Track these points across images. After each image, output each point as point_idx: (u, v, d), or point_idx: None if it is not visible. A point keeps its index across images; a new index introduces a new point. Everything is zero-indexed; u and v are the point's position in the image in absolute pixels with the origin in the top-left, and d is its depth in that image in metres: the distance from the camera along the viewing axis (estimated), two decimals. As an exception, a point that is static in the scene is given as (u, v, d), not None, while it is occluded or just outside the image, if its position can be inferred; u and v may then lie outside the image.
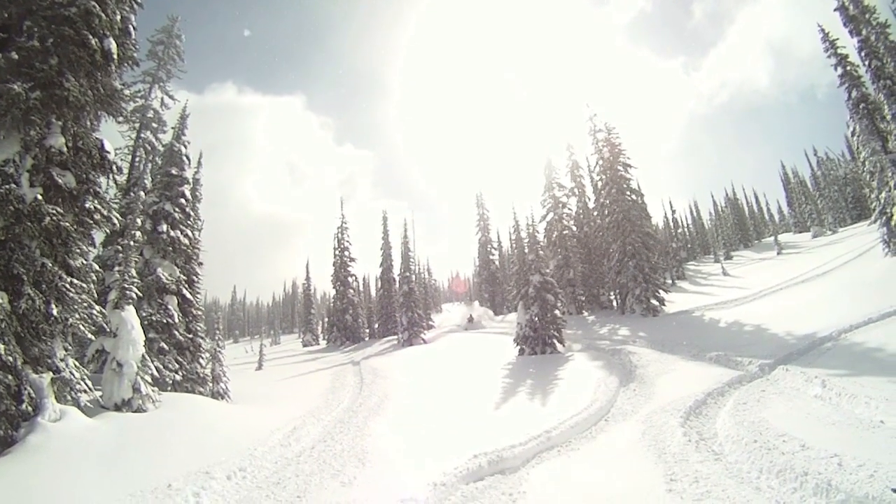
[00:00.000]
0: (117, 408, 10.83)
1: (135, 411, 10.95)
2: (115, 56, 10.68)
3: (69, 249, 9.85)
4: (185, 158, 17.91)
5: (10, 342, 8.34)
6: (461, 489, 7.91)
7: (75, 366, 10.08)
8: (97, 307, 10.44)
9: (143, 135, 19.48)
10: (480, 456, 8.94)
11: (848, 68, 23.36)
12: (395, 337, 36.41)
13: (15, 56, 9.23)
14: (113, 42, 10.56)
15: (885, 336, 12.64)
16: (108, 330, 11.41)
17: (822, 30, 24.15)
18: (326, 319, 54.60)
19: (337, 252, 46.19)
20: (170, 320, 15.37)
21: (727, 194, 68.86)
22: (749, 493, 6.58)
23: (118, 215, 11.37)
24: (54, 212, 9.33)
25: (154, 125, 19.94)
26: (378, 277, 45.37)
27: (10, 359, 8.22)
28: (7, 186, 8.77)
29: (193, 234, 17.69)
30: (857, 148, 24.12)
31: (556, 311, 21.78)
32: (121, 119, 12.33)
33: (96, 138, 10.63)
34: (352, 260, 46.04)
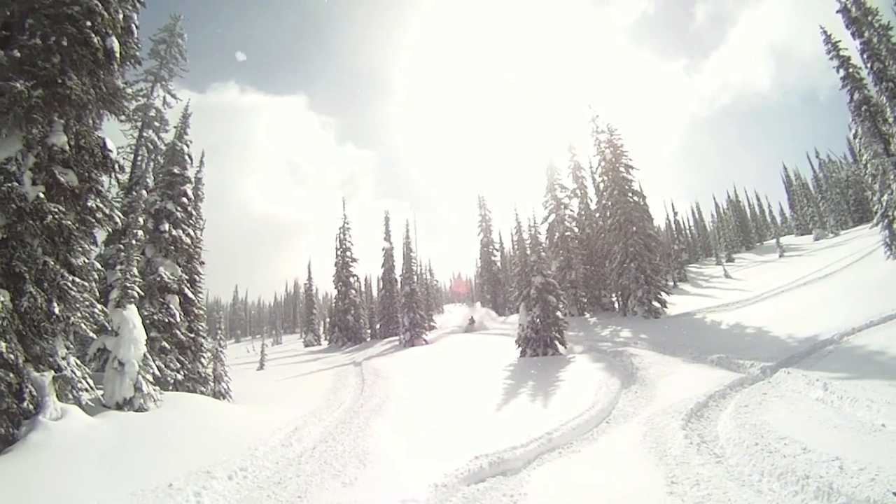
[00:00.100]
0: (119, 407, 10.82)
1: (136, 410, 10.95)
2: (118, 54, 10.70)
3: (71, 248, 9.86)
4: (187, 157, 17.92)
5: (12, 340, 8.35)
6: (462, 490, 7.90)
7: (77, 364, 10.10)
8: (99, 306, 10.46)
9: (145, 133, 19.50)
10: (482, 457, 8.94)
11: (850, 70, 23.32)
12: (397, 338, 36.43)
13: (17, 54, 9.25)
14: (115, 40, 10.58)
15: (888, 339, 12.60)
16: (109, 329, 11.41)
17: (825, 32, 24.11)
18: (328, 320, 54.63)
19: (339, 252, 46.22)
20: (171, 319, 15.37)
21: (729, 196, 68.73)
22: (750, 495, 6.58)
23: (120, 214, 11.38)
24: (56, 210, 9.34)
25: (156, 124, 19.96)
26: (380, 278, 45.38)
27: (12, 357, 8.23)
28: (9, 185, 8.77)
29: (195, 234, 17.70)
30: (860, 150, 24.06)
31: (558, 313, 21.76)
32: (123, 118, 12.30)
33: (98, 137, 10.64)
34: (353, 260, 46.06)
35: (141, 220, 13.97)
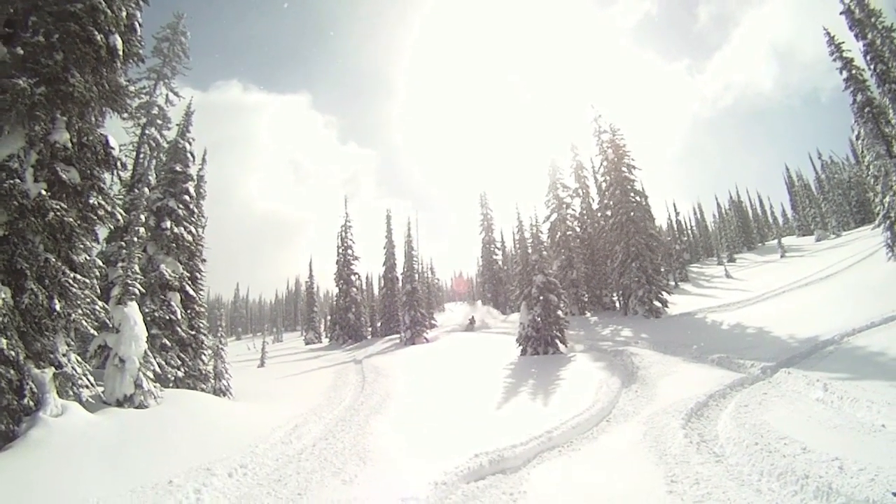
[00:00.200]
0: (119, 403, 10.85)
1: (136, 407, 10.97)
2: (121, 52, 10.71)
3: (73, 245, 9.87)
4: (189, 155, 17.92)
5: (13, 337, 8.37)
6: (462, 488, 7.90)
7: (77, 361, 10.12)
8: (100, 303, 10.47)
9: (147, 131, 19.53)
10: (481, 455, 8.93)
11: (853, 72, 23.30)
12: (398, 336, 36.47)
13: (20, 51, 9.26)
14: (118, 38, 10.58)
15: (888, 340, 12.60)
16: (110, 326, 11.42)
17: (828, 33, 24.09)
18: (329, 317, 54.69)
19: (340, 250, 46.24)
20: (172, 317, 15.39)
21: (731, 197, 68.66)
22: (750, 495, 6.58)
23: (122, 211, 11.39)
24: (58, 207, 9.35)
25: (159, 122, 19.99)
26: (381, 276, 45.48)
27: (13, 353, 8.25)
28: (11, 181, 8.78)
29: (197, 231, 17.70)
30: (862, 151, 24.07)
31: (559, 312, 21.75)
32: (125, 115, 12.31)
33: (101, 134, 10.64)
34: (355, 258, 46.07)
35: (143, 217, 13.99)
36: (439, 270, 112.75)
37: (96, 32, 10.04)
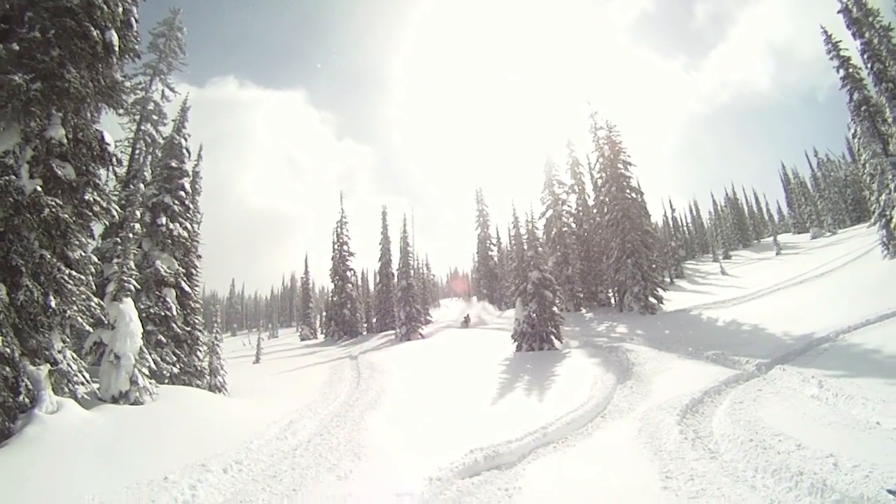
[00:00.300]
0: (114, 400, 10.83)
1: (132, 404, 10.96)
2: (117, 48, 10.64)
3: (68, 241, 9.84)
4: (185, 151, 17.88)
5: (8, 334, 8.34)
6: (457, 484, 7.93)
7: (73, 358, 10.09)
8: (95, 299, 10.43)
9: (143, 127, 19.46)
10: (477, 451, 8.96)
11: (850, 70, 23.39)
12: (393, 332, 36.48)
13: (16, 47, 9.19)
14: (114, 34, 10.52)
15: (883, 338, 12.68)
16: (106, 322, 11.39)
17: (825, 32, 24.16)
18: (324, 313, 54.61)
19: (336, 246, 46.22)
20: (168, 313, 15.37)
21: (727, 194, 68.67)
22: (744, 491, 6.61)
23: (117, 207, 11.36)
24: (54, 203, 9.31)
25: (154, 117, 19.92)
26: (377, 272, 45.41)
27: (8, 350, 8.22)
28: (7, 178, 8.74)
29: (192, 227, 17.68)
30: (858, 150, 24.13)
31: (554, 308, 21.81)
32: (121, 111, 12.27)
33: (96, 130, 10.60)
34: (351, 254, 46.08)
35: (138, 213, 13.96)
36: (435, 266, 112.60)
37: (92, 28, 9.99)
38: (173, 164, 17.30)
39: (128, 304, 11.92)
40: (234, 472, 8.61)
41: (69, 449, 8.08)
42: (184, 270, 16.83)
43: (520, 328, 21.72)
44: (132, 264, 12.56)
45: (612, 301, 32.94)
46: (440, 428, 11.08)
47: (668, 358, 15.88)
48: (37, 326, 9.10)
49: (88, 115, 10.57)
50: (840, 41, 23.84)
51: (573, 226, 36.01)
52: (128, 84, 13.65)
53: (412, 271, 38.07)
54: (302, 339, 49.64)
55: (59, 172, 9.65)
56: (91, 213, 10.38)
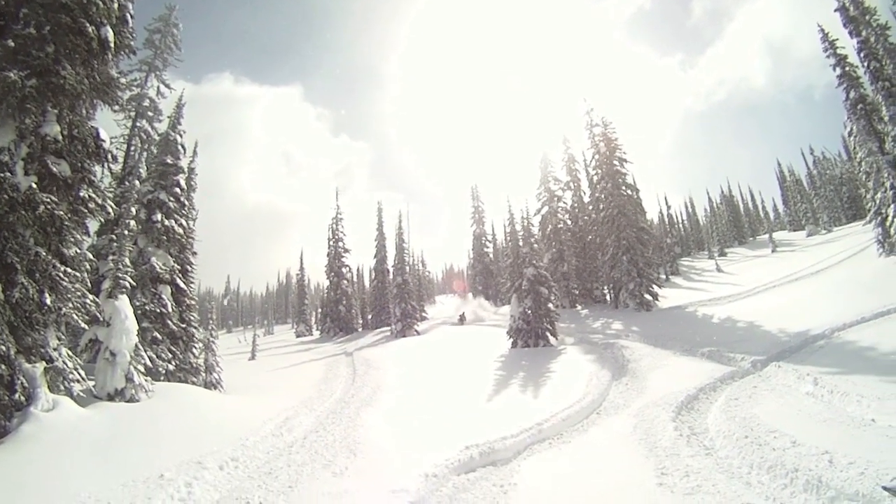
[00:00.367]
0: (110, 397, 10.82)
1: (128, 401, 10.94)
2: (112, 44, 10.61)
3: (63, 238, 9.81)
4: (180, 148, 17.81)
5: (4, 331, 8.32)
6: (453, 480, 7.95)
7: (68, 355, 10.08)
8: (91, 296, 10.41)
9: (138, 124, 19.37)
10: (472, 447, 8.98)
11: (847, 69, 23.41)
12: (389, 328, 36.51)
13: (11, 44, 9.13)
14: (110, 30, 10.48)
15: (878, 335, 12.74)
16: (101, 319, 11.37)
17: (822, 30, 24.16)
18: (320, 310, 54.56)
19: (331, 243, 46.17)
20: (163, 310, 15.32)
21: (723, 191, 68.74)
22: (739, 487, 6.64)
23: (113, 204, 11.35)
24: (49, 200, 9.28)
25: (150, 114, 19.82)
26: (372, 269, 45.43)
27: (3, 348, 8.20)
28: (1, 175, 8.71)
29: (188, 224, 17.63)
30: (854, 148, 24.20)
31: (550, 305, 21.83)
32: (116, 108, 12.21)
33: (92, 127, 10.57)
34: (346, 251, 46.05)
35: (133, 210, 13.89)
36: (431, 263, 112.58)
37: (88, 24, 9.95)
38: (169, 161, 17.23)
39: (123, 301, 11.89)
40: (230, 468, 8.61)
41: (65, 447, 8.07)
42: (179, 267, 16.77)
43: (515, 325, 21.75)
44: (127, 261, 12.53)
45: (608, 298, 32.97)
46: (436, 424, 11.09)
47: (664, 355, 15.91)
48: (32, 324, 9.08)
49: (84, 111, 10.53)
50: (837, 39, 23.87)
51: (569, 222, 36.00)
52: (123, 80, 13.60)
53: (408, 268, 38.11)
54: (297, 336, 49.58)
55: (55, 169, 9.62)
56: (86, 210, 10.36)
